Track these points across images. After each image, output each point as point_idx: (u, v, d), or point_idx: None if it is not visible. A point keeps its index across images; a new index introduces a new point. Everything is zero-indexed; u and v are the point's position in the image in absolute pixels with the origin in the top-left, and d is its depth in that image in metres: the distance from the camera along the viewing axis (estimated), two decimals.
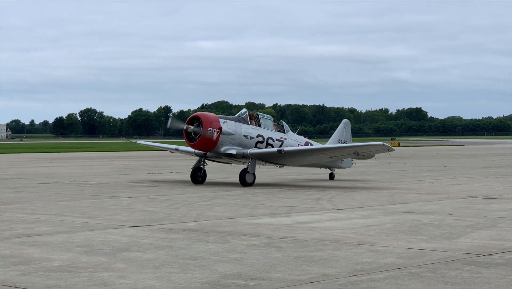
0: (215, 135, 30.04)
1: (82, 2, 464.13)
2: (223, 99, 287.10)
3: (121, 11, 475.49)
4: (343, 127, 36.95)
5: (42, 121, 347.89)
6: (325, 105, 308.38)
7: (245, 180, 29.68)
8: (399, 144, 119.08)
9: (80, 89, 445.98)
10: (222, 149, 30.60)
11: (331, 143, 35.88)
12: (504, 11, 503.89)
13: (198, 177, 31.18)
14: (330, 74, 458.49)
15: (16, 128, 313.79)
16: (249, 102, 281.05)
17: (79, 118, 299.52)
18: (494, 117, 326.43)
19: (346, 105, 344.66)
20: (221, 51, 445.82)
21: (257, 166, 31.09)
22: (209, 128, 30.06)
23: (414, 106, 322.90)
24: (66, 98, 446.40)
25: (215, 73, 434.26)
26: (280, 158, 30.99)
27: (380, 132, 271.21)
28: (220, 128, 30.34)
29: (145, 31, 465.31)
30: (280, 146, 31.63)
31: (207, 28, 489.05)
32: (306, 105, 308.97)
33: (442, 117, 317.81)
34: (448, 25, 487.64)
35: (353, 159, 35.93)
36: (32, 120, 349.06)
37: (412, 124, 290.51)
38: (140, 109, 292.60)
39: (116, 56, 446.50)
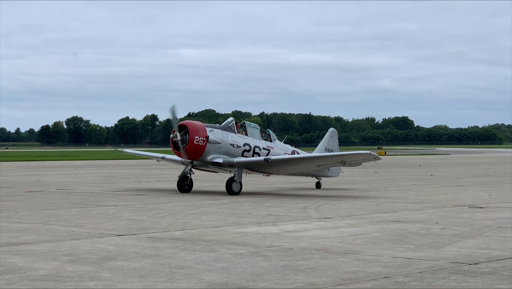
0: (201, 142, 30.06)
1: (58, 10, 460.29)
2: (208, 108, 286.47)
3: (99, 19, 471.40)
4: (330, 136, 37.04)
5: (28, 129, 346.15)
6: (311, 114, 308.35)
7: (232, 189, 29.66)
8: (385, 153, 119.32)
9: (64, 97, 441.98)
10: (209, 158, 30.55)
11: (318, 152, 35.90)
12: (485, 20, 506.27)
13: (184, 185, 31.11)
14: (314, 83, 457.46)
15: (1, 136, 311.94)
16: (235, 111, 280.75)
17: (65, 126, 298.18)
18: (480, 126, 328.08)
19: (332, 114, 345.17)
20: (203, 59, 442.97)
21: (243, 175, 31.06)
22: (195, 137, 30.06)
23: (400, 115, 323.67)
24: (51, 106, 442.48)
25: (199, 81, 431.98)
26: (266, 167, 30.98)
27: (366, 141, 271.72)
28: (207, 137, 30.32)
29: (125, 39, 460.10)
30: (267, 155, 31.62)
31: (188, 36, 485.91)
32: (293, 114, 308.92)
33: (428, 126, 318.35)
34: (431, 34, 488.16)
35: (341, 168, 36.01)
36: (18, 129, 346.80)
37: (399, 133, 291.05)
38: (127, 118, 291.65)
39: (97, 64, 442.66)
